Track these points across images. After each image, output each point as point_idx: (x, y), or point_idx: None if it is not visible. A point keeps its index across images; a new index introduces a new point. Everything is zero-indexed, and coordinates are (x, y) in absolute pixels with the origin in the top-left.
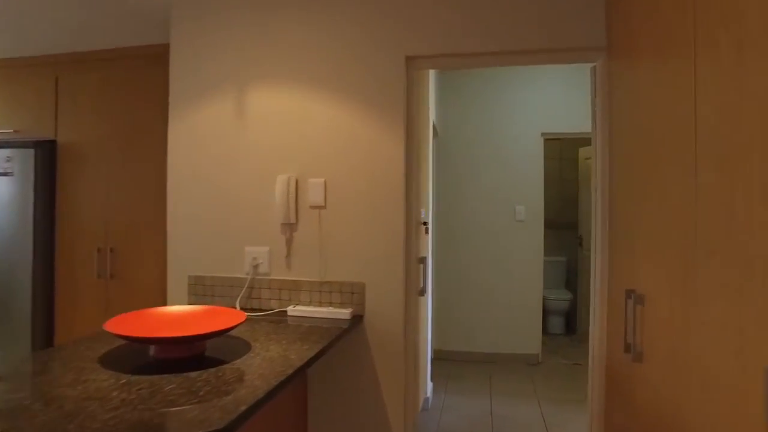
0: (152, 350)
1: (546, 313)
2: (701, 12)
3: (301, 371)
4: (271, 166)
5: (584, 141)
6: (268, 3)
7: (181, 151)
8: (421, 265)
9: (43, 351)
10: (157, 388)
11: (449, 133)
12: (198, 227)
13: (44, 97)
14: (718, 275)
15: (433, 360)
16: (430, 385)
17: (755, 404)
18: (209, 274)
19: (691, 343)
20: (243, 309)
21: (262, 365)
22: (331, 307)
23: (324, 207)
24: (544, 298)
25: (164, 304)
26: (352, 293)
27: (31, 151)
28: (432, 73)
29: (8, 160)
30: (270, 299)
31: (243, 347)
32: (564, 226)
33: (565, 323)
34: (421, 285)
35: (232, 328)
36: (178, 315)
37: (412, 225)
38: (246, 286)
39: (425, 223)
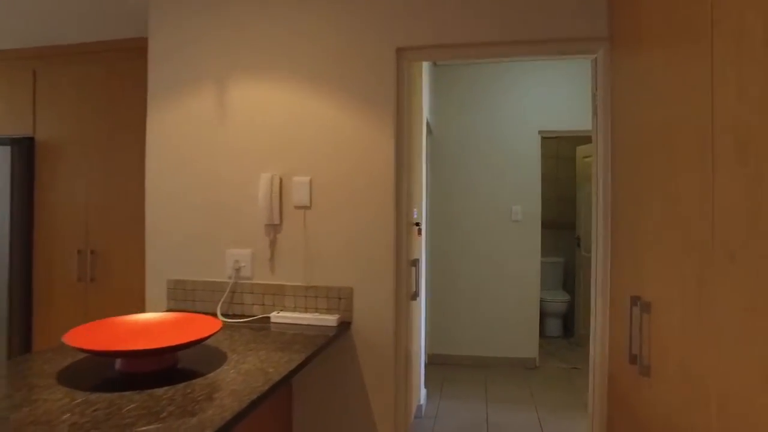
0: (118, 364)
1: (543, 315)
2: None
3: (279, 386)
4: (253, 164)
5: (582, 139)
6: None
7: (159, 148)
8: (414, 268)
9: None
10: (115, 409)
11: (443, 131)
12: (177, 228)
13: (21, 93)
14: (739, 281)
15: (427, 365)
16: (423, 391)
17: None
18: (189, 278)
19: (706, 358)
20: (225, 315)
21: (236, 380)
22: (316, 313)
23: (309, 207)
24: (542, 300)
25: (144, 309)
26: (339, 298)
27: (8, 149)
28: (426, 69)
29: None
30: (253, 305)
31: (219, 358)
32: (561, 226)
33: (563, 325)
34: (414, 289)
35: (204, 339)
36: (148, 324)
37: (404, 226)
38: (228, 290)
39: (418, 224)
